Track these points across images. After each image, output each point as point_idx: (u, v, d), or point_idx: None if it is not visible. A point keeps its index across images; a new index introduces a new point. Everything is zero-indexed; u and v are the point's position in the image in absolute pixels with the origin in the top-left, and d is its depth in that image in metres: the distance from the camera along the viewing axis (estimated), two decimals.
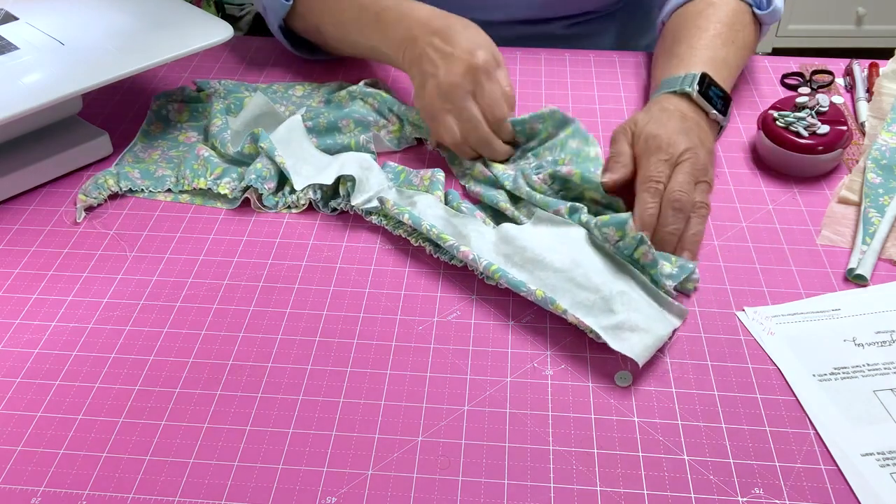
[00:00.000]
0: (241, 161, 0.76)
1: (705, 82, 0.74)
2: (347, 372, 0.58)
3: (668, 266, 0.63)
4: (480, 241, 0.66)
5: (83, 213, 0.73)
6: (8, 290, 0.65)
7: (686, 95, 0.74)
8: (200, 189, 0.74)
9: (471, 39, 0.74)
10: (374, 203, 0.70)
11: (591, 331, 0.58)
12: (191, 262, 0.68)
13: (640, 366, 0.57)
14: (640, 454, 0.53)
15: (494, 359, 0.59)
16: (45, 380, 0.58)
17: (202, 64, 0.94)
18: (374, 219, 0.70)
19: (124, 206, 0.74)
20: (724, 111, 0.75)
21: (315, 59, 0.93)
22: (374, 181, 0.72)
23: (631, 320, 0.58)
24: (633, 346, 0.57)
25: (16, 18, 0.82)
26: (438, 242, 0.65)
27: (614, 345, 0.57)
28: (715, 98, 0.74)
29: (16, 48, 0.76)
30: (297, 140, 0.76)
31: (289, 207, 0.73)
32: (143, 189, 0.75)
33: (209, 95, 0.86)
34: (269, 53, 0.96)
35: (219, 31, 0.78)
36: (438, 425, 0.55)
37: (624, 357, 0.58)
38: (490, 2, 0.98)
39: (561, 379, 0.58)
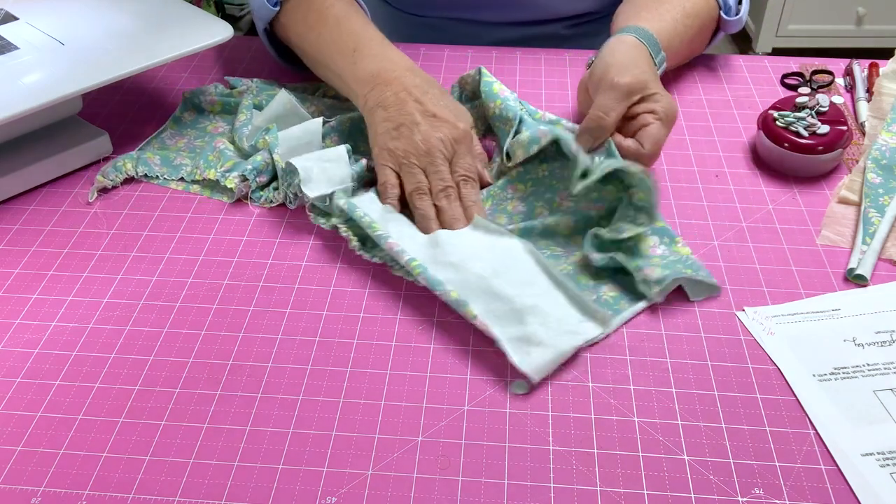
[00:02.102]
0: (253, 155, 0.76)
1: (662, 67, 0.78)
2: (347, 372, 0.58)
3: (658, 270, 0.62)
4: (410, 242, 0.65)
5: (96, 194, 0.74)
6: (8, 290, 0.65)
7: (644, 48, 0.75)
8: (209, 180, 0.75)
9: (449, 106, 0.72)
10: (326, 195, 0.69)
11: (498, 340, 0.58)
12: (191, 262, 0.68)
13: (536, 381, 0.57)
14: (640, 454, 0.53)
15: (494, 359, 0.59)
16: (45, 380, 0.58)
17: (202, 64, 0.94)
18: (311, 217, 0.70)
19: (124, 206, 0.74)
20: None
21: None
22: (337, 175, 0.70)
23: (537, 335, 0.58)
24: (532, 361, 0.57)
25: (16, 18, 0.82)
26: (368, 231, 0.65)
27: (515, 357, 0.57)
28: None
29: (16, 48, 0.76)
30: (308, 142, 0.75)
31: (271, 202, 0.73)
32: (158, 175, 0.76)
33: (241, 92, 0.86)
34: (269, 54, 0.96)
35: (219, 31, 0.78)
36: (438, 425, 0.55)
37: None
38: (492, 3, 0.98)
39: (561, 379, 0.58)
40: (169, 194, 0.75)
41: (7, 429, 0.55)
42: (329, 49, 0.78)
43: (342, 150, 0.71)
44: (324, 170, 0.70)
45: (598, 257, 0.64)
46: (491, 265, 0.63)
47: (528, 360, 0.57)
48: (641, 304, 0.62)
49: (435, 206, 0.68)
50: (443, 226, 0.67)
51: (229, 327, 0.62)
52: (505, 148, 0.73)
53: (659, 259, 0.64)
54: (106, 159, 0.79)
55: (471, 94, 0.80)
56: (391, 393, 0.57)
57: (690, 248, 0.66)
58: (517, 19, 1.00)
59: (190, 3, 0.86)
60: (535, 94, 0.88)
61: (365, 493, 0.51)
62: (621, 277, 0.64)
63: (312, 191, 0.68)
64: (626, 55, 0.73)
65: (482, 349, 0.60)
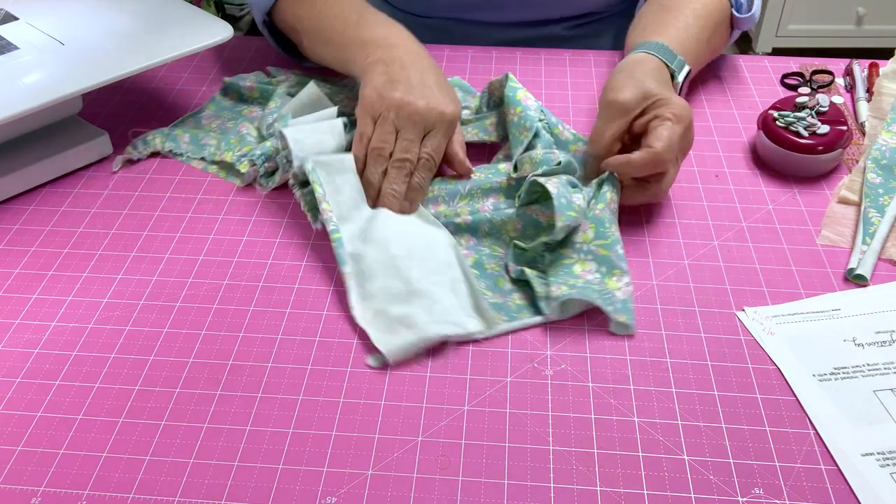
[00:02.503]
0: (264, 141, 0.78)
1: (687, 77, 0.77)
2: (347, 372, 0.58)
3: (563, 288, 0.61)
4: (352, 209, 0.67)
5: (120, 164, 0.78)
6: (8, 290, 0.65)
7: (667, 67, 0.75)
8: (226, 162, 0.77)
9: (444, 89, 0.72)
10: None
11: (356, 318, 0.61)
12: (191, 262, 0.68)
13: (391, 362, 0.58)
14: (640, 454, 0.53)
15: (494, 359, 0.59)
16: (45, 380, 0.58)
17: (202, 64, 0.94)
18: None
19: (124, 206, 0.74)
20: None
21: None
22: (330, 146, 0.71)
23: (414, 318, 0.59)
24: (393, 342, 0.59)
25: (16, 18, 0.82)
26: (313, 185, 0.66)
27: (373, 335, 0.59)
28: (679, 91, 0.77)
29: (16, 48, 0.76)
30: (321, 134, 0.75)
31: (274, 181, 0.75)
32: (183, 153, 0.79)
33: (280, 82, 0.86)
34: (269, 53, 0.96)
35: (219, 31, 0.78)
36: (438, 425, 0.55)
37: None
38: (493, 4, 0.98)
39: (561, 379, 0.58)
40: (169, 194, 0.75)
41: (7, 429, 0.55)
42: (331, 22, 0.79)
43: (339, 122, 0.73)
44: (318, 142, 0.71)
45: (512, 267, 0.65)
46: (408, 247, 0.65)
47: (391, 339, 0.59)
48: (538, 319, 0.62)
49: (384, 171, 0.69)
50: (379, 195, 0.68)
51: (229, 327, 0.62)
52: (515, 158, 0.73)
53: (578, 281, 0.62)
54: (106, 159, 0.79)
55: (497, 100, 0.80)
56: (391, 393, 0.57)
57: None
58: (519, 19, 1.00)
59: (190, 3, 0.86)
60: (535, 94, 0.88)
61: (365, 493, 0.51)
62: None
63: (300, 149, 0.70)
64: (627, 72, 0.72)
65: (482, 349, 0.60)
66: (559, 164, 0.68)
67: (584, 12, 1.01)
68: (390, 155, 0.69)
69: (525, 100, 0.75)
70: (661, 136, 0.66)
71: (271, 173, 0.75)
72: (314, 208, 0.68)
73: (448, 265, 0.64)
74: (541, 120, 0.75)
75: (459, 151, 0.72)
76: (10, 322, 0.63)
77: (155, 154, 0.80)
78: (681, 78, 0.75)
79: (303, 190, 0.70)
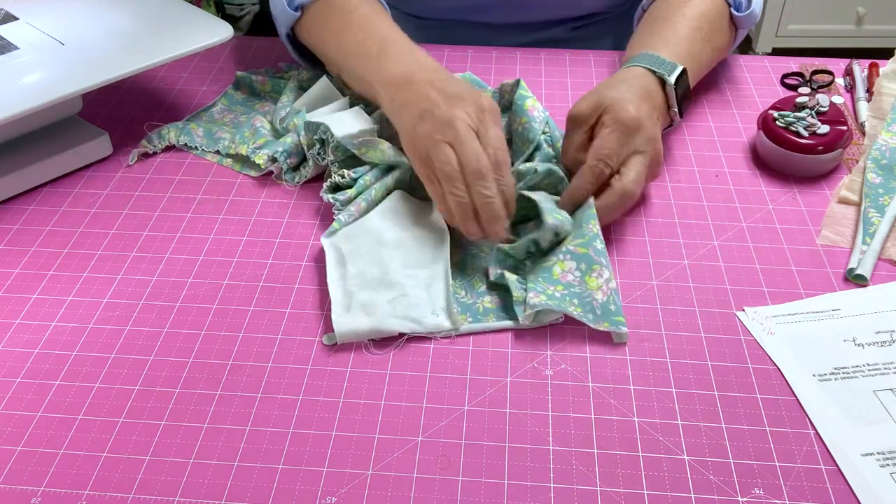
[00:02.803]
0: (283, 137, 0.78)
1: (683, 79, 0.74)
2: (347, 372, 0.58)
3: (542, 298, 0.61)
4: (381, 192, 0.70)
5: (136, 158, 0.79)
6: (8, 290, 0.65)
7: (661, 80, 0.73)
8: (241, 155, 0.78)
9: (472, 90, 0.70)
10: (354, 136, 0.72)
11: (332, 301, 0.62)
12: (191, 262, 0.68)
13: (338, 342, 0.60)
14: (640, 454, 0.53)
15: (494, 359, 0.59)
16: (45, 380, 0.58)
17: (202, 64, 0.94)
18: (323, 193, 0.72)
19: (124, 206, 0.74)
20: (681, 113, 0.75)
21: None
22: (357, 123, 0.73)
23: (376, 305, 0.61)
24: (347, 323, 0.60)
25: (16, 18, 0.82)
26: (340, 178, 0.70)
27: (335, 314, 0.60)
28: (682, 97, 0.75)
29: (16, 48, 0.76)
30: (347, 119, 0.76)
31: (304, 178, 0.76)
32: (198, 146, 0.80)
33: (291, 76, 0.87)
34: (269, 53, 0.96)
35: (219, 31, 0.78)
36: (438, 425, 0.55)
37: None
38: (496, 5, 0.98)
39: (561, 379, 0.58)
40: (169, 194, 0.75)
41: (7, 429, 0.55)
42: (353, 52, 0.77)
43: (356, 108, 0.75)
44: (341, 119, 0.73)
45: (493, 271, 0.64)
46: (400, 238, 0.66)
47: (348, 320, 0.60)
48: (506, 324, 0.61)
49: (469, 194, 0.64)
50: (480, 223, 0.64)
51: (229, 327, 0.62)
52: (514, 168, 0.73)
53: (558, 288, 0.62)
54: (106, 159, 0.79)
55: (507, 103, 0.80)
56: (391, 393, 0.57)
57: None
58: (522, 20, 1.00)
59: (190, 3, 0.86)
60: (535, 93, 0.88)
61: (365, 493, 0.51)
62: (508, 294, 0.64)
63: (340, 131, 0.71)
64: (600, 86, 0.72)
65: (482, 349, 0.60)
66: (536, 171, 0.69)
67: (586, 13, 1.01)
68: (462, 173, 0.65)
69: (532, 110, 0.75)
70: (592, 149, 0.67)
71: (294, 168, 0.76)
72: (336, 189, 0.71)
73: (433, 261, 0.65)
74: (545, 132, 0.75)
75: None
76: (10, 322, 0.63)
77: (156, 154, 0.80)
78: (672, 78, 0.73)
79: (332, 194, 0.71)
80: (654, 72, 0.73)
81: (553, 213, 0.64)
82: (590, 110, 0.69)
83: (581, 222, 0.66)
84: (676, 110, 0.74)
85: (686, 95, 0.76)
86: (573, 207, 0.67)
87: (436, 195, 0.66)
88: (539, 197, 0.66)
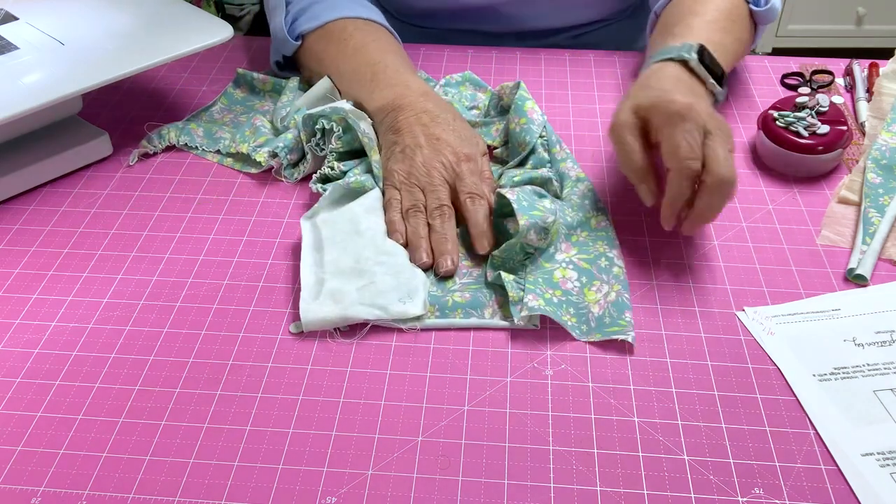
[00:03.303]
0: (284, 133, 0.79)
1: (704, 52, 0.71)
2: (347, 372, 0.58)
3: (540, 301, 0.60)
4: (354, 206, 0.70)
5: (136, 158, 0.79)
6: (8, 290, 0.65)
7: (683, 63, 0.70)
8: (242, 154, 0.78)
9: (458, 130, 0.73)
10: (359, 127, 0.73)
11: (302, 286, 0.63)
12: (191, 262, 0.68)
13: (304, 330, 0.60)
14: (640, 454, 0.53)
15: (494, 359, 0.59)
16: (45, 380, 0.58)
17: (202, 64, 0.94)
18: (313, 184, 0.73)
19: (124, 206, 0.74)
20: (720, 82, 0.71)
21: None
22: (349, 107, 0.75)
23: (344, 293, 0.61)
24: (314, 311, 0.60)
25: (16, 18, 0.82)
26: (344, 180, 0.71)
27: (303, 301, 0.61)
28: (713, 66, 0.71)
29: (16, 48, 0.76)
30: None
31: (302, 173, 0.76)
32: (198, 146, 0.80)
33: (293, 76, 0.87)
34: (269, 53, 0.96)
35: (219, 31, 0.78)
36: (438, 425, 0.55)
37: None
38: (495, 15, 0.98)
39: (561, 379, 0.58)
40: (169, 194, 0.75)
41: (7, 429, 0.55)
42: (348, 79, 0.80)
43: (347, 102, 0.76)
44: (338, 104, 0.75)
45: (490, 273, 0.64)
46: (378, 224, 0.67)
47: (315, 308, 0.60)
48: (472, 322, 0.61)
49: (428, 224, 0.68)
50: (432, 245, 0.67)
51: (229, 327, 0.62)
52: (503, 169, 0.74)
53: (556, 293, 0.62)
54: (106, 159, 0.79)
55: (507, 105, 0.80)
56: (391, 393, 0.57)
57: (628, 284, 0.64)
58: (521, 29, 1.00)
59: (190, 3, 0.86)
60: (535, 94, 0.88)
61: (365, 493, 0.51)
62: (488, 292, 0.63)
63: (335, 105, 0.73)
64: (626, 97, 0.69)
65: (482, 349, 0.60)
66: (519, 178, 0.70)
67: (586, 21, 1.01)
68: (426, 208, 0.69)
69: (531, 112, 0.75)
70: (672, 147, 0.62)
71: (294, 164, 0.77)
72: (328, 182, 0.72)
73: (406, 252, 0.66)
74: (542, 136, 0.75)
75: (484, 188, 0.70)
76: (10, 322, 0.63)
77: (156, 154, 0.80)
78: (693, 55, 0.69)
79: (323, 185, 0.73)
80: (672, 59, 0.70)
81: (529, 211, 0.63)
82: (630, 116, 0.66)
83: (588, 243, 0.66)
84: (713, 82, 0.70)
85: (717, 70, 0.71)
86: (675, 219, 0.64)
87: (393, 206, 0.70)
88: (514, 197, 0.65)
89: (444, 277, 0.65)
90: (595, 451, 0.53)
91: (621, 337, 0.59)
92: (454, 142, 0.71)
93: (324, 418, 0.55)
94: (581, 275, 0.63)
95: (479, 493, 0.51)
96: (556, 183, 0.72)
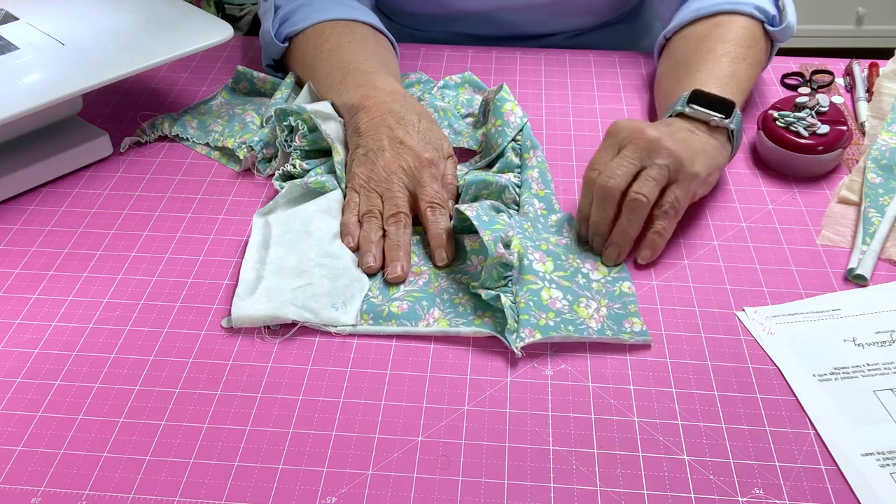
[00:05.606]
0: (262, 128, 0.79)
1: (698, 94, 0.71)
2: (347, 372, 0.58)
3: (537, 334, 0.59)
4: (311, 205, 0.70)
5: (128, 146, 0.80)
6: (8, 290, 0.65)
7: (682, 116, 0.71)
8: (227, 148, 0.79)
9: (423, 132, 0.72)
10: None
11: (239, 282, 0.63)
12: (191, 262, 0.68)
13: (234, 325, 0.60)
14: (640, 454, 0.53)
15: (494, 359, 0.59)
16: (45, 380, 0.58)
17: (202, 64, 0.94)
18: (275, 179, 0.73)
19: (125, 206, 0.74)
20: (726, 115, 0.70)
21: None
22: (323, 110, 0.75)
23: (278, 291, 0.61)
24: (246, 307, 0.60)
25: (16, 18, 0.82)
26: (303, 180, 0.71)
27: (238, 295, 0.61)
28: (711, 105, 0.70)
29: (16, 48, 0.76)
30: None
31: (272, 167, 0.76)
32: (188, 138, 0.81)
33: (290, 74, 0.87)
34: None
35: (219, 31, 0.78)
36: (438, 425, 0.55)
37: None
38: (492, 20, 0.98)
39: (561, 379, 0.58)
40: (169, 194, 0.75)
41: (7, 429, 0.55)
42: (323, 81, 0.81)
43: (326, 103, 0.77)
44: (317, 104, 0.75)
45: (483, 292, 0.61)
46: (329, 226, 0.67)
47: (245, 305, 0.60)
48: (407, 329, 0.61)
49: (383, 230, 0.68)
50: (385, 251, 0.67)
51: (229, 327, 0.62)
52: (471, 167, 0.75)
53: (550, 315, 0.60)
54: (106, 159, 0.79)
55: (488, 109, 0.80)
56: (391, 393, 0.57)
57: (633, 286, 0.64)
58: (516, 33, 1.00)
59: (190, 3, 0.86)
60: (535, 94, 0.88)
61: (365, 493, 0.51)
62: (427, 305, 0.63)
63: (310, 106, 0.73)
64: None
65: (482, 349, 0.60)
66: (480, 183, 0.70)
67: (582, 25, 1.01)
68: (381, 214, 0.69)
69: (508, 115, 0.76)
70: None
71: (269, 160, 0.77)
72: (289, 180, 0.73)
73: (352, 254, 0.66)
74: (516, 140, 0.75)
75: (443, 194, 0.70)
76: (10, 322, 0.63)
77: (157, 153, 0.80)
78: (685, 108, 0.70)
79: (283, 182, 0.73)
80: (674, 114, 0.71)
81: (490, 226, 0.63)
82: (625, 182, 0.66)
83: (559, 255, 0.66)
84: (718, 117, 0.69)
85: (720, 101, 0.71)
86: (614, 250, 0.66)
87: (350, 208, 0.70)
88: (474, 213, 0.64)
89: (391, 283, 0.65)
90: (595, 451, 0.53)
91: (635, 341, 0.60)
92: (417, 146, 0.71)
93: (324, 418, 0.55)
94: (565, 293, 0.62)
95: (479, 493, 0.51)
96: (513, 191, 0.71)
